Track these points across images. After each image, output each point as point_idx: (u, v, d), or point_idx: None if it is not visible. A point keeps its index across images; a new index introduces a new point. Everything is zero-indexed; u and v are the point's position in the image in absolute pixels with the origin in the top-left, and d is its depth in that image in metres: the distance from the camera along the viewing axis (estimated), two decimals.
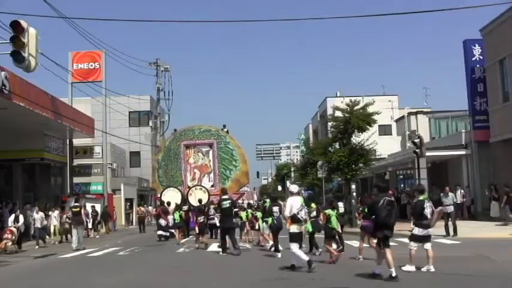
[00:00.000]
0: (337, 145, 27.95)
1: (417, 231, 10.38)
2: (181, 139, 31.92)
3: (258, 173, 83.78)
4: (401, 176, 32.98)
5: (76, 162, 33.10)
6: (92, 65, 33.72)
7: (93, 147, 35.11)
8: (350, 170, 26.63)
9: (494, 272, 9.93)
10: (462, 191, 24.85)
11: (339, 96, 45.86)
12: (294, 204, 11.01)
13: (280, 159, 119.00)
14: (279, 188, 71.13)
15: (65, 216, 23.42)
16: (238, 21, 61.95)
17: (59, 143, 29.07)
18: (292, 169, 53.26)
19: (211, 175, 31.56)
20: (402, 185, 32.04)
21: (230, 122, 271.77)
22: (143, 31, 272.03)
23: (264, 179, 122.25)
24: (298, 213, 10.91)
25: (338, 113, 27.83)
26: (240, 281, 10.06)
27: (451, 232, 17.27)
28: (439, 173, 27.91)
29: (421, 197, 10.73)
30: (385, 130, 43.93)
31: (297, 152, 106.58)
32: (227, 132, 32.22)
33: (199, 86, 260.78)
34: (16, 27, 12.89)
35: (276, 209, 14.39)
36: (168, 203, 25.54)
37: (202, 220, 18.12)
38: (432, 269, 10.02)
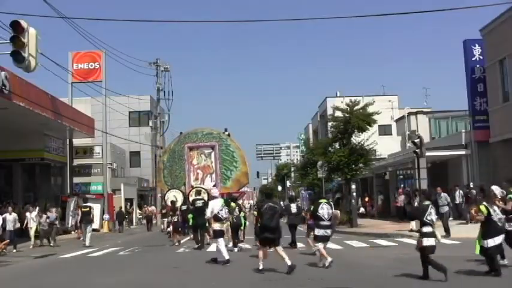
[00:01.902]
0: (337, 145, 27.93)
1: (317, 231, 11.38)
2: (185, 141, 33.84)
3: (258, 173, 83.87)
4: (401, 176, 32.95)
5: (76, 162, 33.12)
6: (92, 65, 33.71)
7: (93, 147, 35.12)
8: (350, 170, 26.61)
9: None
10: (461, 191, 24.84)
11: (339, 96, 45.81)
12: (215, 206, 12.71)
13: (280, 159, 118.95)
14: (279, 188, 71.09)
15: (45, 217, 21.20)
16: (238, 21, 61.87)
17: (59, 143, 29.10)
18: (292, 169, 53.24)
19: (213, 175, 33.24)
20: (402, 185, 32.00)
21: (230, 122, 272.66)
22: (143, 31, 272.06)
23: (264, 179, 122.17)
24: (218, 213, 12.56)
25: (338, 113, 27.81)
26: (240, 281, 10.06)
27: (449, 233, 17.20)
28: (439, 173, 27.89)
29: (320, 200, 11.83)
30: (385, 130, 43.88)
31: (297, 152, 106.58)
32: (228, 135, 33.77)
33: (199, 86, 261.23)
34: (16, 27, 12.90)
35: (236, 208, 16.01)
36: (174, 202, 26.02)
37: (176, 219, 19.74)
38: (327, 263, 10.87)
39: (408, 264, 10.96)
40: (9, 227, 18.76)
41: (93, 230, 29.21)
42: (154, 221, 37.25)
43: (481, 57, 25.46)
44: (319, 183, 31.33)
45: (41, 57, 15.11)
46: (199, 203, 17.80)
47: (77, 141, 32.74)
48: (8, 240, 17.83)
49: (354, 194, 26.97)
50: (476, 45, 25.66)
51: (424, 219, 9.13)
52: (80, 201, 29.58)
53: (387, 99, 45.85)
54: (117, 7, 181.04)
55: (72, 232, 27.75)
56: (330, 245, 15.96)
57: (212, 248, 16.65)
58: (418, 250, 9.22)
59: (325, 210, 11.37)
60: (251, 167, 37.96)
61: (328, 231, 11.38)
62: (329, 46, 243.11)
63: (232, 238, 16.06)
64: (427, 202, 9.53)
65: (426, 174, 19.17)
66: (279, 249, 10.63)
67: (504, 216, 9.65)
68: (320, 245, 11.27)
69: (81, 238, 21.48)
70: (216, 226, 12.61)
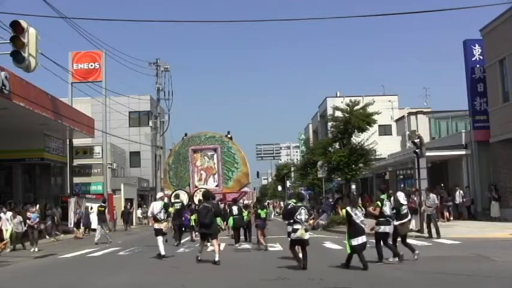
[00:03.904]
0: (337, 145, 27.97)
1: (289, 229, 11.86)
2: (189, 144, 36.60)
3: (258, 173, 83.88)
4: (401, 176, 32.96)
5: (76, 162, 33.11)
6: (92, 65, 33.74)
7: (93, 147, 35.15)
8: (350, 170, 26.64)
9: (494, 272, 9.93)
10: (461, 191, 24.84)
11: (339, 96, 45.86)
12: (155, 207, 14.35)
13: (280, 159, 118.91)
14: (279, 188, 71.06)
15: (18, 218, 18.81)
16: (238, 22, 61.78)
17: (59, 143, 29.07)
18: (292, 169, 53.23)
19: (216, 176, 35.53)
20: (402, 185, 31.99)
21: (230, 122, 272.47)
22: (143, 31, 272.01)
23: (264, 179, 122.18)
24: (157, 214, 14.12)
25: (338, 113, 27.85)
26: (240, 281, 10.06)
27: (434, 234, 17.10)
28: (439, 173, 27.90)
29: (297, 202, 12.55)
30: (385, 130, 43.90)
31: (297, 152, 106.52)
32: (231, 138, 36.20)
33: (199, 86, 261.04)
34: (16, 27, 12.87)
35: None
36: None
37: None
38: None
39: (408, 264, 10.97)
40: None
41: (93, 230, 29.37)
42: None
43: (481, 57, 25.47)
44: (319, 183, 31.34)
45: (41, 57, 15.08)
46: (177, 206, 20.27)
47: (77, 141, 32.72)
48: (8, 240, 17.80)
49: (354, 194, 26.96)
50: (476, 45, 25.67)
51: (294, 218, 10.95)
52: (81, 201, 29.62)
53: (387, 99, 45.89)
54: (117, 7, 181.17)
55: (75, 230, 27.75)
56: (330, 245, 16.11)
57: (212, 248, 16.71)
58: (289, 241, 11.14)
59: (302, 212, 12.26)
60: (251, 167, 39.78)
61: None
62: (329, 46, 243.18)
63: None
64: (299, 204, 11.35)
65: (426, 174, 19.15)
66: (214, 242, 12.46)
67: (363, 219, 10.86)
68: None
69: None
70: (155, 225, 14.24)
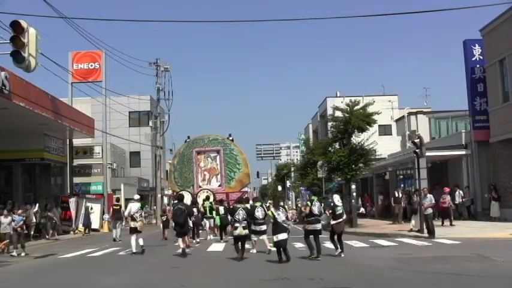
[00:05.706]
0: (337, 145, 27.91)
1: (253, 227, 13.91)
2: (193, 146, 38.91)
3: (258, 173, 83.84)
4: (401, 176, 32.94)
5: (76, 162, 33.11)
6: (92, 65, 33.75)
7: (93, 147, 35.14)
8: (350, 170, 26.58)
9: (494, 272, 9.93)
10: (461, 191, 24.81)
11: (339, 96, 45.84)
12: (132, 207, 15.57)
13: (280, 159, 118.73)
14: (279, 188, 71.00)
15: (1, 218, 17.40)
16: (238, 22, 61.79)
17: (59, 143, 29.08)
18: (292, 169, 53.20)
19: (219, 176, 38.01)
20: (402, 185, 31.96)
21: (230, 122, 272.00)
22: (143, 31, 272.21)
23: (264, 179, 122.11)
24: (134, 214, 15.32)
25: (338, 113, 27.81)
26: (240, 281, 10.07)
27: (426, 233, 17.16)
28: (439, 173, 27.90)
29: (255, 203, 14.61)
30: (385, 130, 43.86)
31: (297, 152, 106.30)
32: (232, 140, 39.20)
33: (199, 86, 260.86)
34: (16, 27, 12.87)
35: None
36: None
37: (165, 219, 22.69)
38: (267, 251, 13.75)
39: (408, 264, 10.99)
40: None
41: (93, 230, 29.43)
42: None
43: (481, 57, 25.46)
44: (319, 183, 31.33)
45: (41, 57, 15.07)
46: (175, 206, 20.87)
47: (77, 141, 32.73)
48: (8, 240, 17.79)
49: (354, 194, 26.98)
50: (476, 45, 25.66)
51: (235, 217, 13.11)
52: (81, 202, 29.63)
53: (387, 99, 45.84)
54: (117, 7, 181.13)
55: (71, 232, 27.79)
56: (330, 245, 16.06)
57: (212, 248, 16.75)
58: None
59: (259, 212, 13.80)
60: (251, 167, 41.29)
61: (262, 227, 13.98)
62: (329, 46, 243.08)
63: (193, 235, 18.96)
64: (238, 205, 13.47)
65: (426, 174, 19.15)
66: (185, 238, 14.70)
67: (285, 219, 12.66)
68: (254, 238, 14.21)
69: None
70: (131, 224, 15.52)
